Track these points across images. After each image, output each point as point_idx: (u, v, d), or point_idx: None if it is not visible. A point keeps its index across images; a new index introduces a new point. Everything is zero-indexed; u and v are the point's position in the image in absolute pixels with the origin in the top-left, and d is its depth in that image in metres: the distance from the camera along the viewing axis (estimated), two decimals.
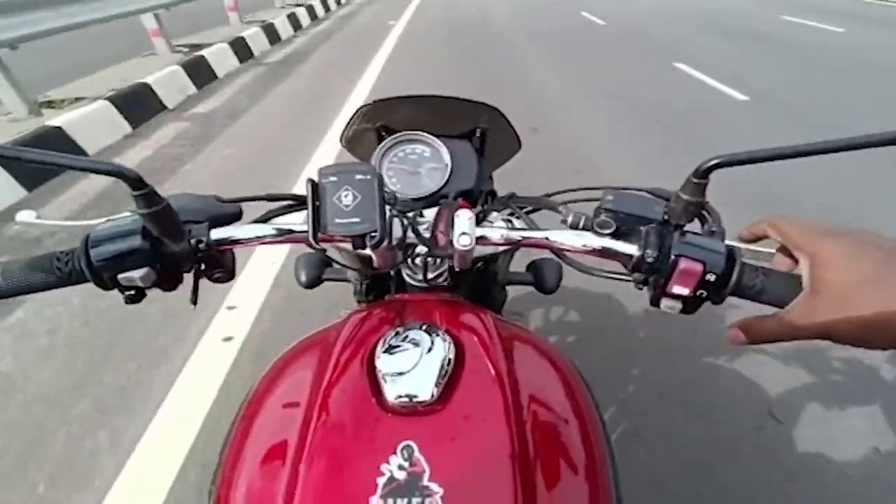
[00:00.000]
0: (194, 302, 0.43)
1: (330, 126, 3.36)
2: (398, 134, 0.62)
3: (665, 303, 0.38)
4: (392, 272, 0.66)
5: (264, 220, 0.48)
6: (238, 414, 0.46)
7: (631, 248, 0.39)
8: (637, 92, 4.03)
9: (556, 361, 0.50)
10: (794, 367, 1.49)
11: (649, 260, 0.37)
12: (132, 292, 0.40)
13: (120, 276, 0.38)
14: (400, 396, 0.38)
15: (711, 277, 0.36)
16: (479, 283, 0.75)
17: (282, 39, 6.54)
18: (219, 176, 2.74)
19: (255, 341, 1.60)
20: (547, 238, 0.43)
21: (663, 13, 7.81)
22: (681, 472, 1.21)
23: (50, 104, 3.40)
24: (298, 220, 0.46)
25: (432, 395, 0.38)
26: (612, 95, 3.98)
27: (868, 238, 0.32)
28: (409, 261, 0.58)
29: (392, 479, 0.34)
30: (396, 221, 0.45)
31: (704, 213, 0.41)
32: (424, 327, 0.44)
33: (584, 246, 0.41)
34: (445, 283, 0.62)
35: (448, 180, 0.61)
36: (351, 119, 0.65)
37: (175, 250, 0.40)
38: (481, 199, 0.63)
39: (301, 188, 0.39)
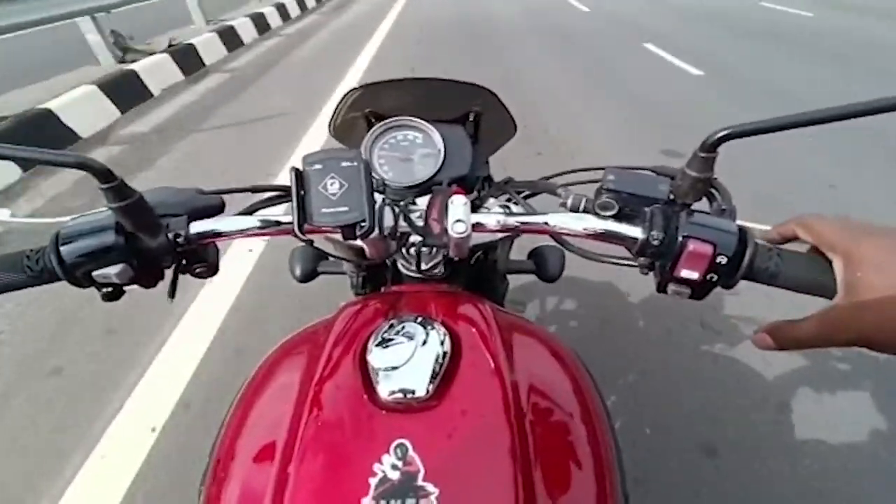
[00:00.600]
0: (172, 295, 0.42)
1: None
2: (388, 120, 0.60)
3: (672, 288, 0.36)
4: (388, 263, 0.65)
5: (249, 212, 0.46)
6: (228, 412, 0.45)
7: (635, 231, 0.37)
8: (604, 66, 4.57)
9: (558, 353, 0.48)
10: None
11: (655, 242, 0.35)
12: (109, 289, 0.38)
13: (95, 273, 0.36)
14: (393, 392, 0.37)
15: (722, 260, 0.33)
16: (478, 272, 0.73)
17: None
18: None
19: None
20: (546, 223, 0.41)
21: (646, 0, 8.20)
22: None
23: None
24: (284, 211, 0.44)
25: (427, 391, 0.37)
26: (581, 68, 4.52)
27: None
28: (404, 251, 0.56)
29: (385, 479, 0.32)
30: (388, 210, 0.43)
31: (713, 190, 0.39)
32: (419, 320, 0.42)
33: (584, 230, 0.39)
34: (442, 274, 0.60)
35: (441, 166, 0.58)
36: (338, 106, 0.62)
37: (152, 245, 0.38)
38: (477, 186, 0.61)
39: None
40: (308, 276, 0.76)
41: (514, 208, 0.52)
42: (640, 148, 2.83)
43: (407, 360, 0.38)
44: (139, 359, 1.49)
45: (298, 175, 0.37)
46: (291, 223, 0.38)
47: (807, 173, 2.51)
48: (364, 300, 0.52)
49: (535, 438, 0.37)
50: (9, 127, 2.72)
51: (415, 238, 0.45)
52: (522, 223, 0.42)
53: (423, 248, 0.55)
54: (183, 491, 1.13)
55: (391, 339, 0.40)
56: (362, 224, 0.37)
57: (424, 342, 0.39)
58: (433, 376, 0.38)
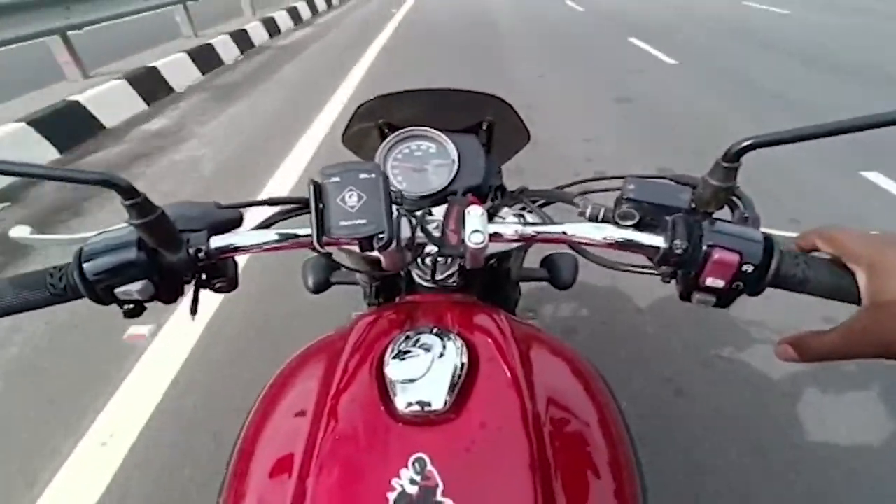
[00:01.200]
0: (194, 312, 0.42)
1: None
2: (402, 130, 0.60)
3: (697, 297, 0.36)
4: (402, 273, 0.64)
5: (266, 225, 0.46)
6: (245, 424, 0.44)
7: (657, 240, 0.36)
8: (591, 56, 5.29)
9: (575, 363, 0.47)
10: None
11: (678, 251, 0.34)
12: (131, 306, 0.38)
13: (117, 290, 0.37)
14: (411, 405, 0.36)
15: (748, 268, 0.33)
16: (491, 281, 0.72)
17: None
18: None
19: None
20: (564, 232, 0.40)
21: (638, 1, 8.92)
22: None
23: None
24: (302, 224, 0.44)
25: (445, 404, 0.36)
26: (570, 59, 5.18)
27: None
28: (419, 261, 0.56)
29: (403, 493, 0.32)
30: (404, 221, 0.42)
31: (734, 198, 0.38)
32: (435, 331, 0.42)
33: (604, 239, 0.38)
34: (457, 283, 0.60)
35: (455, 176, 0.58)
36: (351, 118, 0.63)
37: (173, 261, 0.38)
38: (491, 195, 0.61)
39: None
40: (321, 287, 0.76)
41: (529, 217, 0.51)
42: (595, 98, 3.78)
43: (424, 373, 0.37)
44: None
45: (317, 188, 0.37)
46: (310, 236, 0.38)
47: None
48: (379, 311, 0.51)
49: (554, 452, 0.36)
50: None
51: (431, 248, 0.45)
52: (540, 233, 0.41)
53: (439, 259, 0.54)
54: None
55: (408, 351, 0.39)
56: (381, 236, 0.37)
57: (441, 354, 0.39)
58: (451, 389, 0.37)
